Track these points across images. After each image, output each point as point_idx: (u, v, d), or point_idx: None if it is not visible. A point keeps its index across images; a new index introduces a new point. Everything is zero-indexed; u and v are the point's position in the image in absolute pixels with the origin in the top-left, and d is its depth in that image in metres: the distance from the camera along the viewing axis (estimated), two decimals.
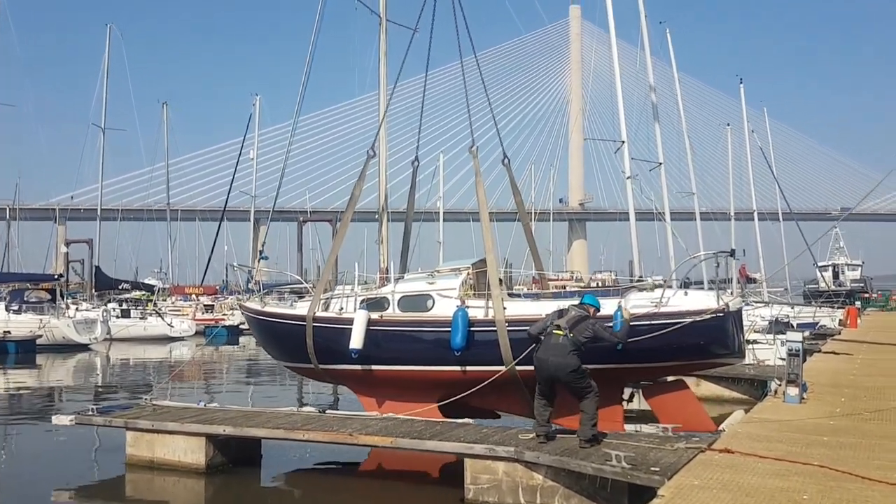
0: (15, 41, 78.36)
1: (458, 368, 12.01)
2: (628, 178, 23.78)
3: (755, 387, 17.19)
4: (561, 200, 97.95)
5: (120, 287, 49.66)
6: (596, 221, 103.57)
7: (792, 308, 31.81)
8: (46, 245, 64.03)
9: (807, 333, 19.02)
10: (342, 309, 13.06)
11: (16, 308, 37.04)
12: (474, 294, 12.62)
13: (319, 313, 13.10)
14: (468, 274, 13.00)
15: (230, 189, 57.75)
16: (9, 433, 16.09)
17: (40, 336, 35.14)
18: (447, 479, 10.35)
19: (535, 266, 16.20)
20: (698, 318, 11.06)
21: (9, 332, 35.05)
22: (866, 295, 57.74)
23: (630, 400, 12.93)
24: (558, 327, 9.22)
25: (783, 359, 12.14)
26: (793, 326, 24.75)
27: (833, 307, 35.51)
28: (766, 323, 24.41)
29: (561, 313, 9.48)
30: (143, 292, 50.24)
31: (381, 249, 15.17)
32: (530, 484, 9.03)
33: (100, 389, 23.64)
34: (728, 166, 45.83)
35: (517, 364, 11.27)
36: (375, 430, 10.55)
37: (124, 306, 45.13)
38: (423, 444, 10.01)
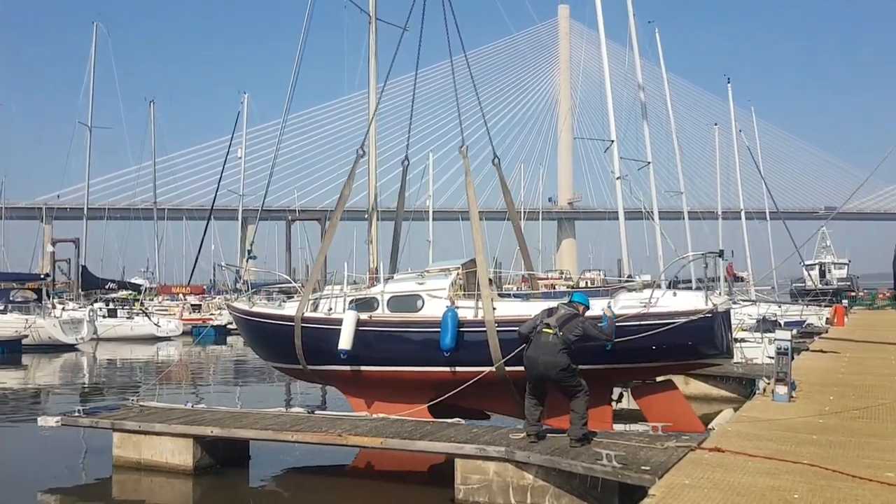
0: None
1: (447, 369, 11.97)
2: (618, 178, 23.79)
3: (743, 385, 17.25)
4: (550, 199, 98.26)
5: (107, 286, 49.35)
6: (585, 220, 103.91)
7: (779, 307, 31.96)
8: (32, 244, 63.61)
9: (794, 332, 19.07)
10: (331, 309, 13.00)
11: (1, 308, 36.72)
12: (464, 294, 12.59)
13: (308, 314, 13.04)
14: (458, 274, 12.97)
15: (218, 188, 57.50)
16: None
17: (26, 336, 34.81)
18: (437, 479, 10.30)
19: (524, 265, 16.20)
20: (687, 319, 11.08)
21: None
22: (853, 293, 58.08)
23: (619, 400, 12.94)
24: (548, 326, 9.20)
25: (771, 357, 12.19)
26: (780, 325, 24.83)
27: (820, 306, 35.70)
28: (754, 321, 24.52)
29: (550, 312, 9.47)
30: (130, 292, 49.95)
31: (371, 249, 15.11)
32: (521, 484, 9.01)
33: (86, 390, 23.45)
34: (716, 166, 46.10)
35: (507, 364, 11.25)
36: (365, 431, 10.49)
37: (111, 306, 44.80)
38: (414, 445, 9.97)
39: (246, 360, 30.47)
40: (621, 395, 13.08)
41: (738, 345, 17.20)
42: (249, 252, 17.02)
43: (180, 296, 55.30)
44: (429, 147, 64.47)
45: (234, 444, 11.54)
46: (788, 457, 7.46)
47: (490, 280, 12.88)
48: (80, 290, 50.24)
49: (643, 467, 7.89)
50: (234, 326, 26.03)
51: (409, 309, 12.48)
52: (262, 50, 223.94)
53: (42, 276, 45.97)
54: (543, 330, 9.20)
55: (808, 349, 18.99)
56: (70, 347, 36.15)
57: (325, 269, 20.31)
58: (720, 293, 15.57)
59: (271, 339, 13.79)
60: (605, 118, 24.89)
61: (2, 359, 32.17)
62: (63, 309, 40.41)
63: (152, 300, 52.04)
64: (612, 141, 24.07)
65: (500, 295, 13.82)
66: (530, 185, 65.27)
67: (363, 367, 12.62)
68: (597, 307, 10.94)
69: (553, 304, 10.13)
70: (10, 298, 37.73)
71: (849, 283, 66.47)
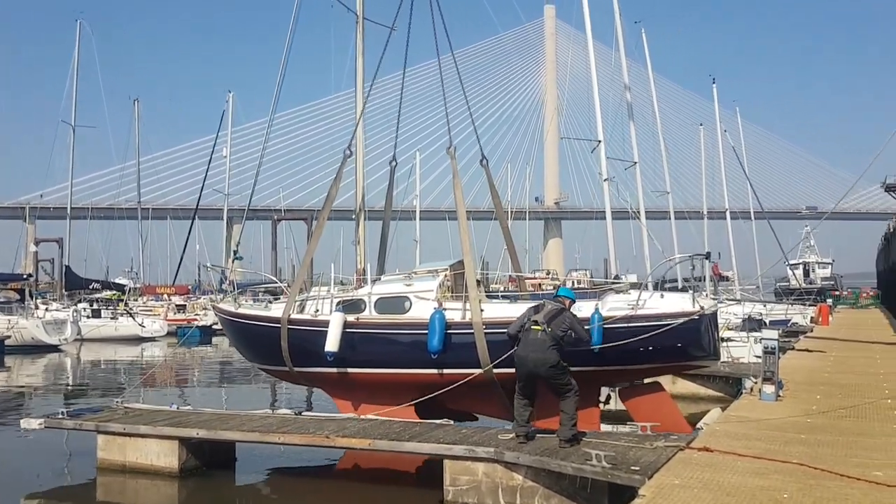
0: None
1: (435, 371, 11.91)
2: (605, 180, 23.83)
3: (730, 384, 17.29)
4: (537, 199, 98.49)
5: (90, 287, 48.93)
6: (571, 220, 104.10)
7: (764, 306, 32.12)
8: (15, 244, 62.45)
9: (780, 331, 19.17)
10: (318, 311, 12.91)
11: None
12: (452, 296, 12.54)
13: (294, 315, 12.94)
14: (446, 276, 12.91)
15: (202, 187, 56.82)
16: None
17: (9, 337, 34.44)
18: (425, 480, 10.26)
19: (512, 266, 16.16)
20: (675, 322, 11.09)
21: None
22: (837, 292, 58.54)
23: (606, 402, 12.95)
24: (536, 322, 9.15)
25: (758, 356, 12.22)
26: (766, 324, 24.95)
27: (804, 305, 35.92)
28: (740, 321, 24.62)
29: (537, 308, 9.42)
30: (114, 292, 49.51)
31: (358, 250, 15.02)
32: (510, 484, 8.97)
33: (70, 391, 23.24)
34: (701, 166, 46.30)
35: (494, 367, 11.22)
36: (353, 433, 10.43)
37: (95, 306, 44.40)
38: (402, 446, 9.92)
39: (231, 362, 30.26)
40: (609, 397, 13.09)
41: (724, 344, 17.26)
42: (235, 253, 16.82)
43: (165, 296, 54.94)
44: (416, 146, 64.31)
45: (220, 447, 11.44)
46: (777, 456, 7.48)
47: (478, 281, 12.83)
48: (63, 290, 49.74)
49: (633, 467, 7.88)
50: (219, 327, 25.89)
51: (397, 311, 12.40)
52: (249, 49, 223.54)
53: (25, 277, 45.51)
54: (532, 327, 9.15)
55: (793, 348, 19.11)
56: (53, 348, 35.79)
57: (311, 269, 20.19)
58: (706, 294, 15.62)
59: (257, 340, 13.68)
60: (591, 118, 24.98)
61: None
62: (46, 309, 39.95)
63: (136, 300, 51.65)
64: (600, 141, 24.12)
65: (487, 296, 13.79)
66: (517, 184, 65.17)
67: (350, 370, 12.53)
68: (584, 308, 10.95)
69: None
70: None
71: (832, 283, 67.05)
